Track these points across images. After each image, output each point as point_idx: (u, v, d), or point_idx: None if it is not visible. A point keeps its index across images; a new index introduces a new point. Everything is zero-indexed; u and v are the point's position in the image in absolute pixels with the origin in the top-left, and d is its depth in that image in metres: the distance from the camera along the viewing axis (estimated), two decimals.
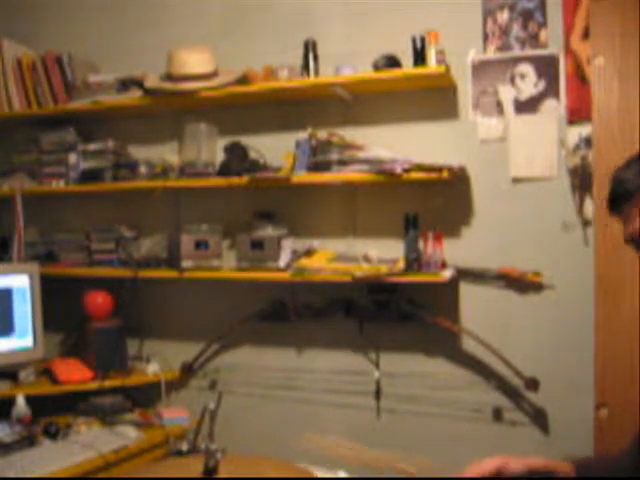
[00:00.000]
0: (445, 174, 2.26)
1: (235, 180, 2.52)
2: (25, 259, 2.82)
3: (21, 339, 2.60)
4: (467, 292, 2.48)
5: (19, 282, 2.61)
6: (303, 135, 2.49)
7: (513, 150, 2.41)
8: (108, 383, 2.60)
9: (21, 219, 2.81)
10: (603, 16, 2.11)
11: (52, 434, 2.34)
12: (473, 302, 2.47)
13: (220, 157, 2.64)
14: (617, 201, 1.19)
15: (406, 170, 2.29)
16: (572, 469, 1.25)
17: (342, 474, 1.90)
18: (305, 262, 2.47)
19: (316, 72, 2.51)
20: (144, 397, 2.77)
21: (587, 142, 2.29)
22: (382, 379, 2.55)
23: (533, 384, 2.32)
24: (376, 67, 2.40)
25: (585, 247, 2.31)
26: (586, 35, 2.26)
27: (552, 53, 2.35)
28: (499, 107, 2.43)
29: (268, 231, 2.57)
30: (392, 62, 2.40)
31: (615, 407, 2.08)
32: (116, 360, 2.67)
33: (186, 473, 1.25)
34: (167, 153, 2.77)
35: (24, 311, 2.61)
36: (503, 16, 2.40)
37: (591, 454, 2.12)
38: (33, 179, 2.86)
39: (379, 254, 2.45)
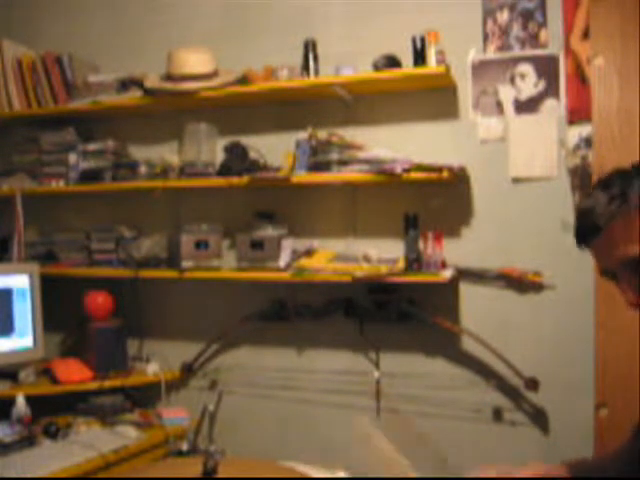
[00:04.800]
0: (445, 174, 2.26)
1: (235, 180, 2.52)
2: (25, 259, 2.82)
3: (21, 339, 2.59)
4: (467, 292, 2.48)
5: (19, 282, 2.61)
6: (303, 135, 2.49)
7: (513, 150, 2.41)
8: (108, 383, 2.60)
9: (21, 219, 2.82)
10: (603, 16, 2.11)
11: (52, 434, 2.34)
12: (473, 302, 2.47)
13: (220, 157, 2.64)
14: (585, 235, 1.14)
15: (406, 170, 2.29)
16: (567, 472, 1.26)
17: (342, 474, 1.90)
18: (305, 262, 2.47)
19: (316, 72, 2.51)
20: (144, 397, 2.76)
21: (587, 142, 2.29)
22: (382, 379, 2.55)
23: (533, 384, 2.32)
24: (376, 67, 2.40)
25: None
26: (586, 35, 2.26)
27: (552, 53, 2.35)
28: (499, 107, 2.43)
29: (268, 231, 2.57)
30: (392, 62, 2.40)
31: (615, 407, 2.08)
32: (116, 360, 2.67)
33: (186, 473, 1.25)
34: (167, 153, 2.77)
35: (24, 311, 2.61)
36: (503, 16, 2.40)
37: (591, 454, 2.12)
38: (33, 179, 2.86)
39: (379, 254, 2.45)
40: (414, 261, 2.32)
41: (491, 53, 2.43)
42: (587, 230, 1.13)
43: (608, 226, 1.09)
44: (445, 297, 2.48)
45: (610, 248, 1.11)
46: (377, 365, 2.56)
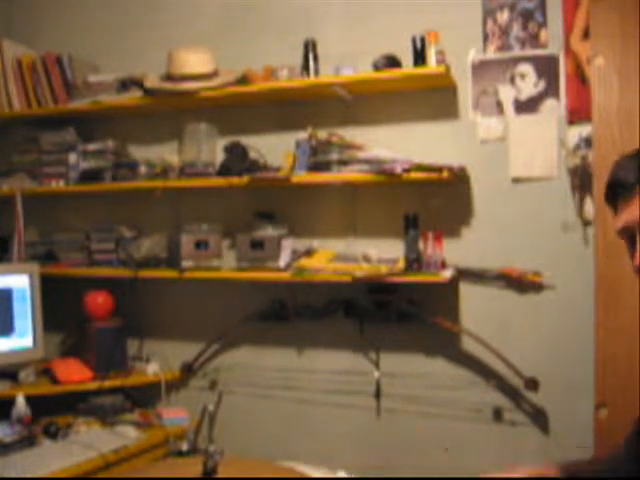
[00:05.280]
0: (445, 174, 2.26)
1: (235, 180, 2.52)
2: (25, 259, 2.82)
3: (21, 339, 2.60)
4: (467, 292, 2.48)
5: (19, 282, 2.61)
6: (303, 135, 2.49)
7: (513, 150, 2.41)
8: (108, 383, 2.60)
9: (21, 219, 2.82)
10: (603, 16, 2.11)
11: (52, 434, 2.34)
12: (473, 302, 2.47)
13: (220, 157, 2.64)
14: (616, 188, 1.17)
15: (406, 170, 2.29)
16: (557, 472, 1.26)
17: (342, 474, 1.90)
18: (305, 262, 2.47)
19: (316, 72, 2.51)
20: (144, 397, 2.77)
21: (587, 142, 2.29)
22: (382, 379, 2.55)
23: (533, 384, 2.32)
24: (376, 67, 2.40)
25: (585, 247, 2.31)
26: (586, 35, 2.26)
27: (552, 53, 2.35)
28: (499, 107, 2.42)
29: (268, 231, 2.57)
30: (392, 62, 2.40)
31: (615, 407, 2.08)
32: (116, 360, 2.67)
33: (186, 473, 1.25)
34: (167, 153, 2.77)
35: (24, 311, 2.61)
36: (503, 16, 2.40)
37: (591, 454, 2.12)
38: (33, 179, 2.86)
39: (379, 254, 2.45)
40: (414, 261, 2.32)
41: (491, 53, 2.43)
42: (619, 184, 1.16)
43: (637, 184, 1.13)
44: (445, 297, 2.48)
45: (635, 205, 1.13)
46: (377, 365, 2.56)
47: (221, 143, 2.65)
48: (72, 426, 2.45)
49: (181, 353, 2.82)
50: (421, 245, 2.34)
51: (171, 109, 2.81)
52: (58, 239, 2.92)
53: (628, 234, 1.17)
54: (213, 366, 2.82)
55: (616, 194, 1.17)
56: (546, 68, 2.36)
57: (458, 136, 2.47)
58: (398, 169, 2.28)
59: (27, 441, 2.26)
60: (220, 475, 1.21)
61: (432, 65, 2.33)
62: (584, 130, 2.29)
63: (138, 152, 2.87)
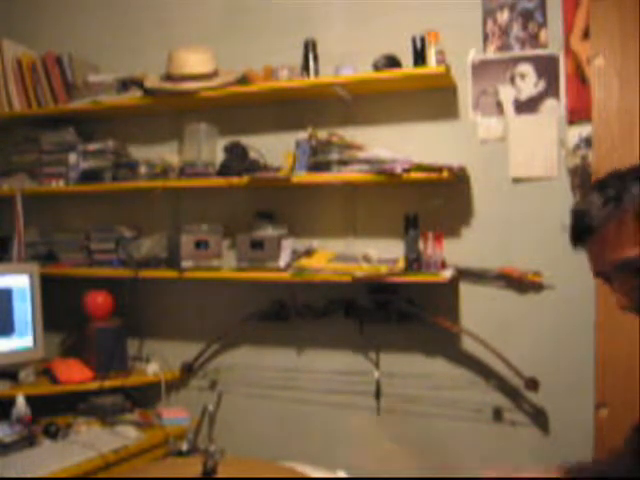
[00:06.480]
0: (445, 174, 2.26)
1: (235, 180, 2.52)
2: (25, 259, 2.82)
3: (21, 339, 2.60)
4: (467, 292, 2.48)
5: (19, 282, 2.61)
6: (303, 135, 2.49)
7: (513, 150, 2.41)
8: (108, 383, 2.60)
9: (21, 219, 2.82)
10: (603, 16, 2.11)
11: (52, 434, 2.34)
12: (473, 302, 2.47)
13: (220, 157, 2.64)
14: (580, 236, 1.15)
15: (406, 170, 2.29)
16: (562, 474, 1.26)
17: (342, 474, 1.90)
18: (305, 262, 2.48)
19: (316, 72, 2.51)
20: (144, 397, 2.77)
21: (587, 142, 2.29)
22: (382, 379, 2.55)
23: (533, 384, 2.32)
24: (376, 67, 2.40)
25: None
26: (586, 35, 2.26)
27: (552, 53, 2.35)
28: (499, 107, 2.43)
29: (268, 231, 2.57)
30: (392, 62, 2.40)
31: (615, 407, 2.08)
32: (116, 360, 2.67)
33: (186, 473, 1.25)
34: (167, 153, 2.77)
35: (24, 311, 2.61)
36: (503, 16, 2.40)
37: (591, 454, 2.12)
38: (33, 179, 2.86)
39: (379, 254, 2.45)
40: (414, 261, 2.32)
41: (491, 53, 2.43)
42: (581, 231, 1.14)
43: (602, 228, 1.10)
44: (445, 297, 2.48)
45: (603, 250, 1.11)
46: (377, 365, 2.56)
47: (221, 143, 2.65)
48: (72, 426, 2.45)
49: (181, 353, 2.82)
50: (421, 245, 2.34)
51: (171, 109, 2.81)
52: (58, 239, 2.92)
53: (603, 277, 1.16)
54: (213, 366, 2.82)
55: (583, 240, 1.14)
56: (546, 68, 2.36)
57: (458, 136, 2.47)
58: (398, 169, 2.28)
59: (27, 441, 2.26)
60: (220, 475, 1.21)
61: (432, 65, 2.33)
62: (584, 130, 2.29)
63: (138, 152, 2.87)
